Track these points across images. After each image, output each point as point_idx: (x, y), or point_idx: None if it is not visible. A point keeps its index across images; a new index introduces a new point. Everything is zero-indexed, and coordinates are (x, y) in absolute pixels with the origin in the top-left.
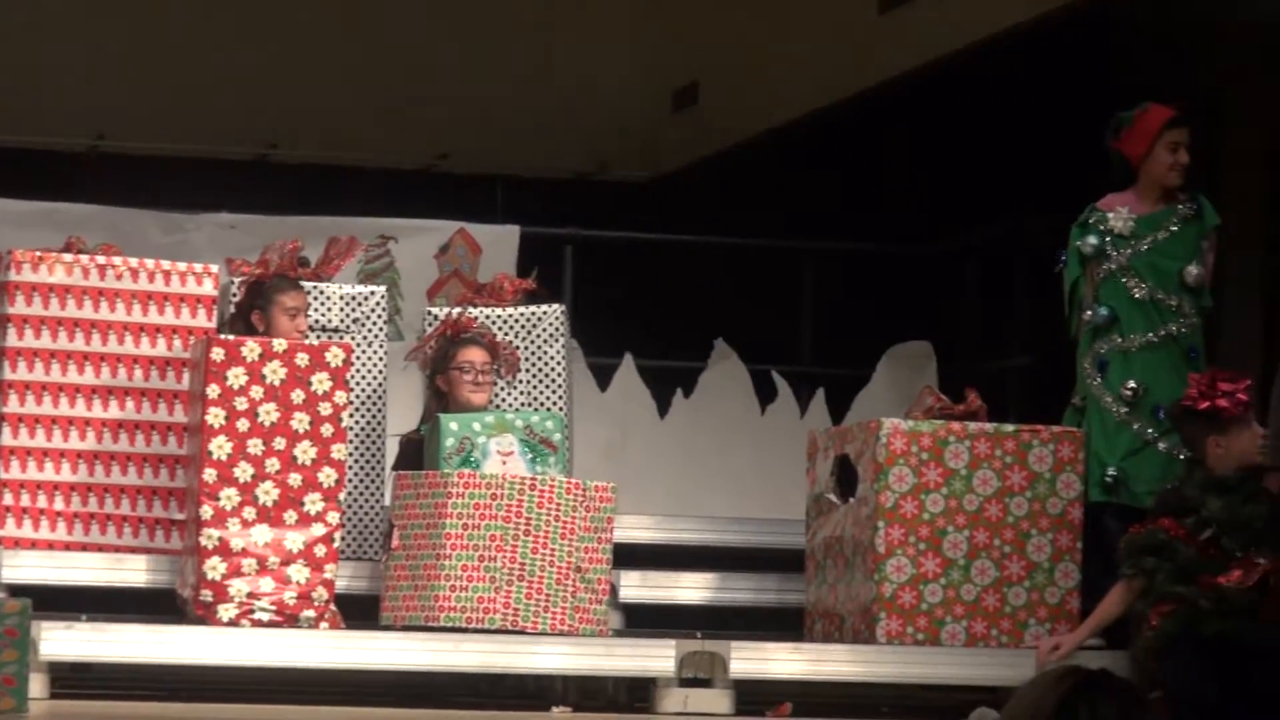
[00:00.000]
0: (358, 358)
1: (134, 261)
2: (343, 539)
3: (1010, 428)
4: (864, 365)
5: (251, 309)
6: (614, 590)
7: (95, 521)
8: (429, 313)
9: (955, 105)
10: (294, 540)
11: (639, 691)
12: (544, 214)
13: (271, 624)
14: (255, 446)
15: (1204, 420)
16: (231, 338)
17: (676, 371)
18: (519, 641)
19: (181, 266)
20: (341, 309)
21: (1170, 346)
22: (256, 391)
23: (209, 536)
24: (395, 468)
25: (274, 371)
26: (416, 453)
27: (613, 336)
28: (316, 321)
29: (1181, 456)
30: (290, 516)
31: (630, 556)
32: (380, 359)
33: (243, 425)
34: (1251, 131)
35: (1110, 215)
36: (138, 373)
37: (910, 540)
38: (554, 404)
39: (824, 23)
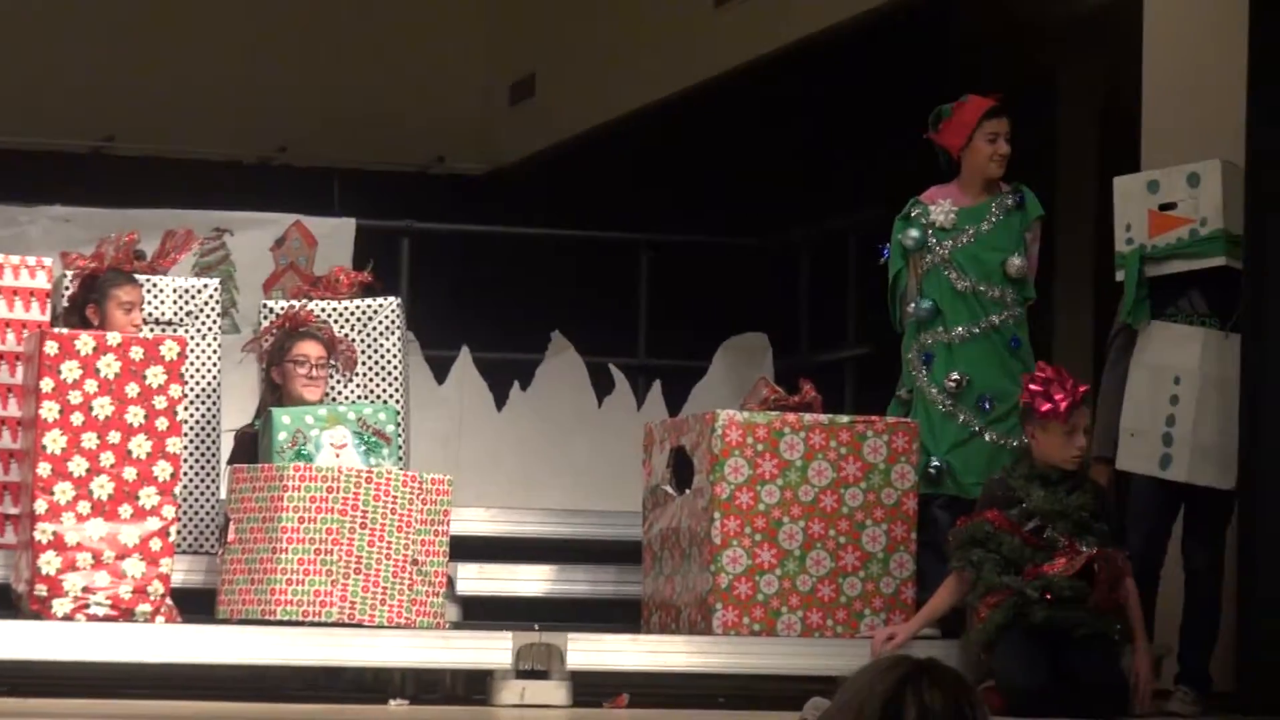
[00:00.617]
0: (193, 351)
1: None
2: (179, 533)
3: (845, 419)
4: (700, 357)
5: (86, 303)
6: (451, 583)
7: None
8: (265, 306)
9: (790, 98)
10: (129, 534)
11: (476, 684)
12: (381, 207)
13: (107, 619)
14: (90, 440)
15: (1028, 410)
16: (65, 331)
17: (514, 364)
18: (356, 635)
19: (15, 260)
20: (176, 302)
21: (993, 337)
22: (91, 385)
23: (43, 531)
24: (231, 461)
25: (108, 365)
26: (252, 446)
27: (449, 329)
28: (151, 315)
29: (1009, 446)
30: (125, 511)
31: (468, 549)
32: (215, 352)
33: (77, 419)
34: (1083, 114)
35: (932, 208)
36: None
37: (746, 531)
38: (390, 397)
39: (660, 16)
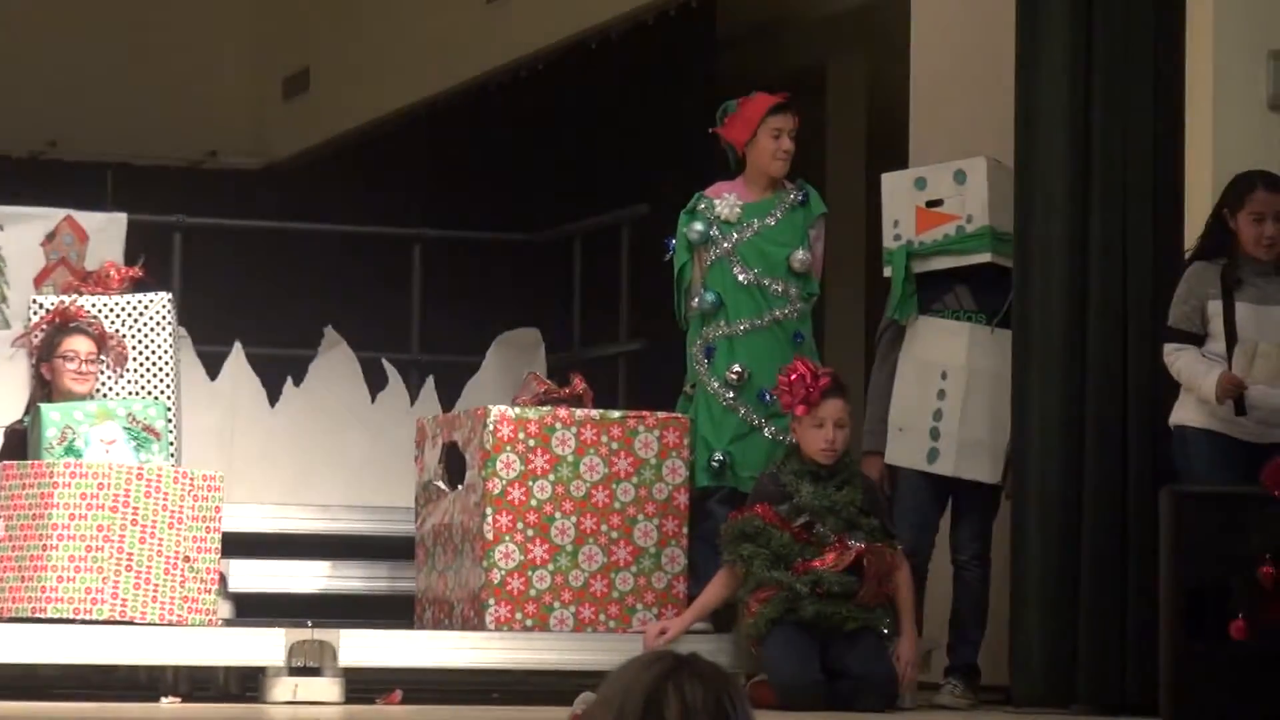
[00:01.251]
0: None
1: None
2: None
3: (616, 414)
4: (473, 353)
5: None
6: (223, 580)
7: None
8: (35, 301)
9: (565, 93)
10: None
11: (250, 681)
12: (154, 201)
13: None
14: None
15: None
16: None
17: (286, 359)
18: (128, 632)
19: None
20: None
21: (775, 331)
22: None
23: None
24: (0, 458)
25: None
26: (21, 442)
27: (222, 324)
28: None
29: (789, 441)
30: None
31: (240, 545)
32: None
33: None
34: (850, 111)
35: (717, 202)
36: None
37: (518, 527)
38: (161, 392)
39: (433, 12)
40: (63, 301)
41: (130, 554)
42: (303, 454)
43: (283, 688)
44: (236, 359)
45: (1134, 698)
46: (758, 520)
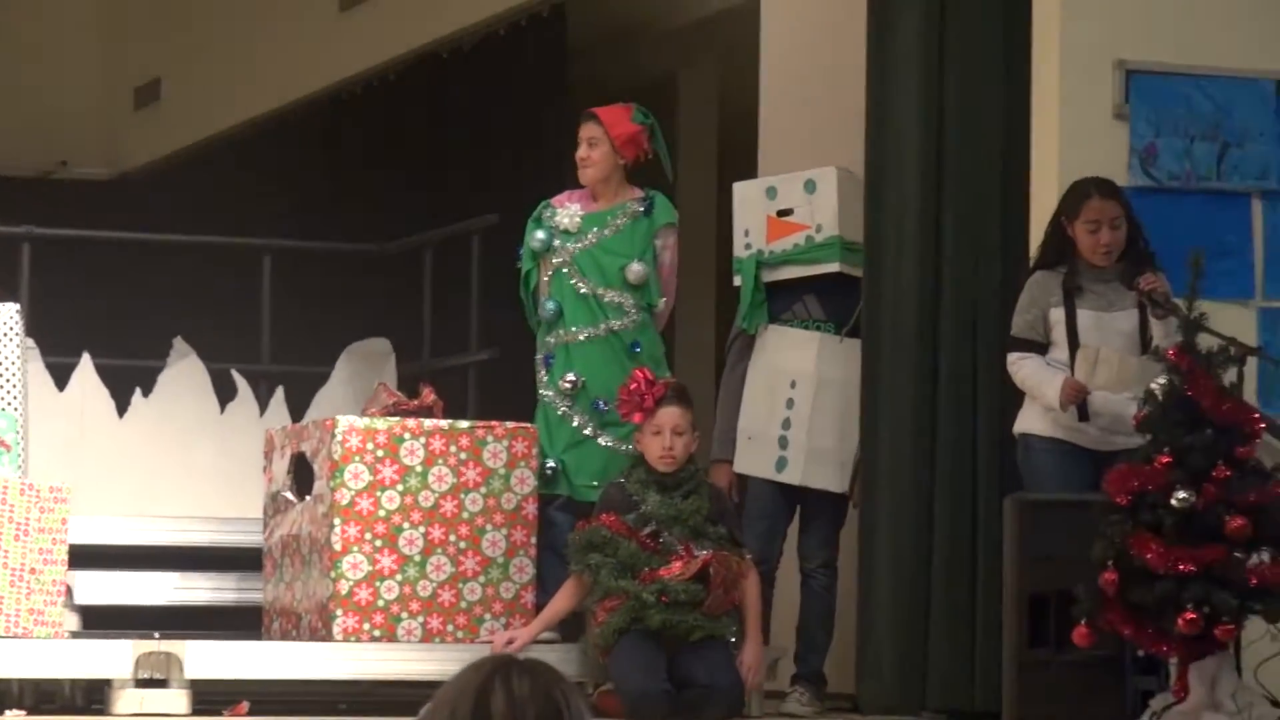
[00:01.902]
0: None
1: None
2: None
3: (465, 424)
4: (323, 363)
5: None
6: (70, 592)
7: None
8: None
9: (417, 103)
10: None
11: (96, 693)
12: (3, 212)
13: None
14: None
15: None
16: None
17: (136, 370)
18: None
19: None
20: None
21: (612, 341)
22: None
23: None
24: None
25: None
26: None
27: (71, 335)
28: None
29: (623, 450)
30: None
31: (88, 557)
32: None
33: None
34: (702, 119)
35: (560, 211)
36: None
37: (366, 537)
38: (8, 403)
39: (286, 21)
40: None
41: None
42: (151, 465)
43: (129, 700)
44: (85, 370)
45: (982, 704)
46: (605, 530)
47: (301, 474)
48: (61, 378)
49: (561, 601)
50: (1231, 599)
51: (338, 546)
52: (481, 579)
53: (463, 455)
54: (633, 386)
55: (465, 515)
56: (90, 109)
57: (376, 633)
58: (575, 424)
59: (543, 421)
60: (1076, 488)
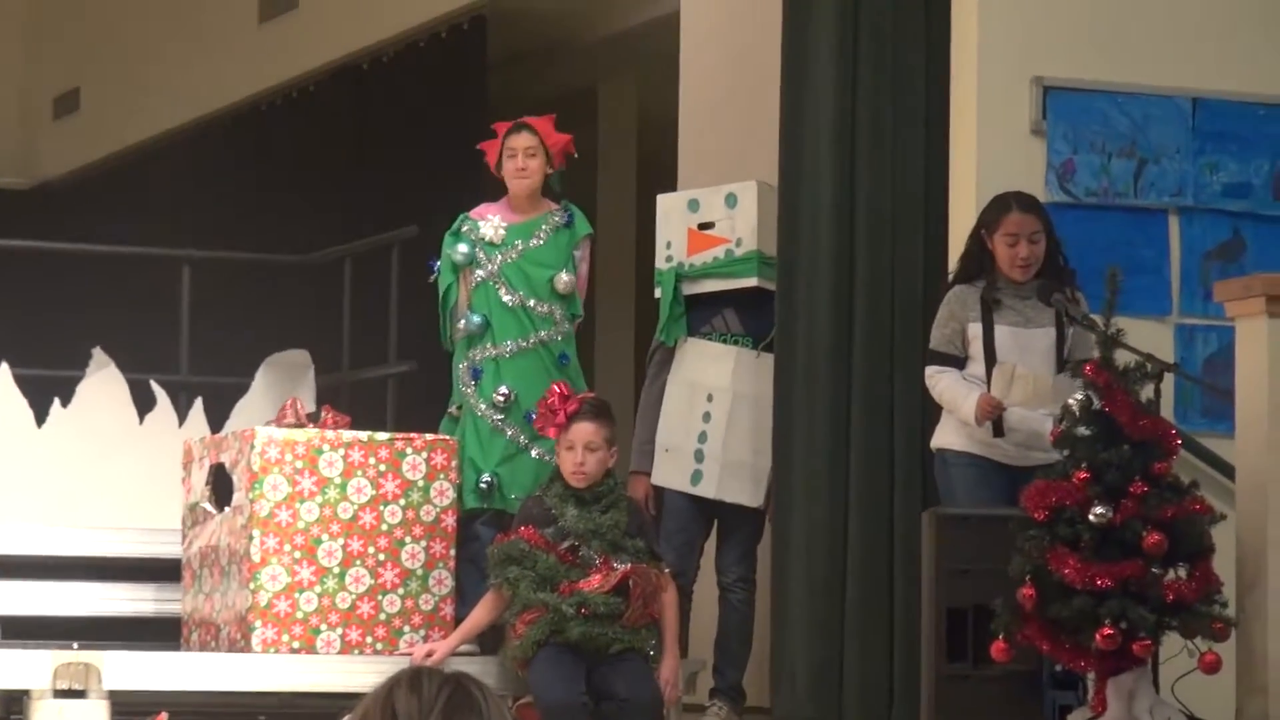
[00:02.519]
0: None
1: None
2: None
3: (384, 436)
4: (242, 374)
5: None
6: None
7: None
8: None
9: (337, 114)
10: None
11: (14, 704)
12: None
13: None
14: None
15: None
16: None
17: (54, 380)
18: None
19: None
20: None
21: (541, 353)
22: None
23: None
24: None
25: None
26: None
27: None
28: None
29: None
30: None
31: (6, 568)
32: None
33: None
34: (621, 131)
35: (481, 223)
36: None
37: (285, 549)
38: None
39: (205, 31)
40: None
41: None
42: (70, 475)
43: (47, 710)
44: (3, 380)
45: (900, 718)
46: (523, 543)
47: (220, 485)
48: None
49: (480, 614)
50: (1148, 614)
51: (256, 558)
52: (400, 591)
53: (382, 467)
54: (549, 400)
55: (384, 527)
56: (9, 119)
57: (295, 644)
58: (508, 436)
59: (474, 435)
60: (991, 502)
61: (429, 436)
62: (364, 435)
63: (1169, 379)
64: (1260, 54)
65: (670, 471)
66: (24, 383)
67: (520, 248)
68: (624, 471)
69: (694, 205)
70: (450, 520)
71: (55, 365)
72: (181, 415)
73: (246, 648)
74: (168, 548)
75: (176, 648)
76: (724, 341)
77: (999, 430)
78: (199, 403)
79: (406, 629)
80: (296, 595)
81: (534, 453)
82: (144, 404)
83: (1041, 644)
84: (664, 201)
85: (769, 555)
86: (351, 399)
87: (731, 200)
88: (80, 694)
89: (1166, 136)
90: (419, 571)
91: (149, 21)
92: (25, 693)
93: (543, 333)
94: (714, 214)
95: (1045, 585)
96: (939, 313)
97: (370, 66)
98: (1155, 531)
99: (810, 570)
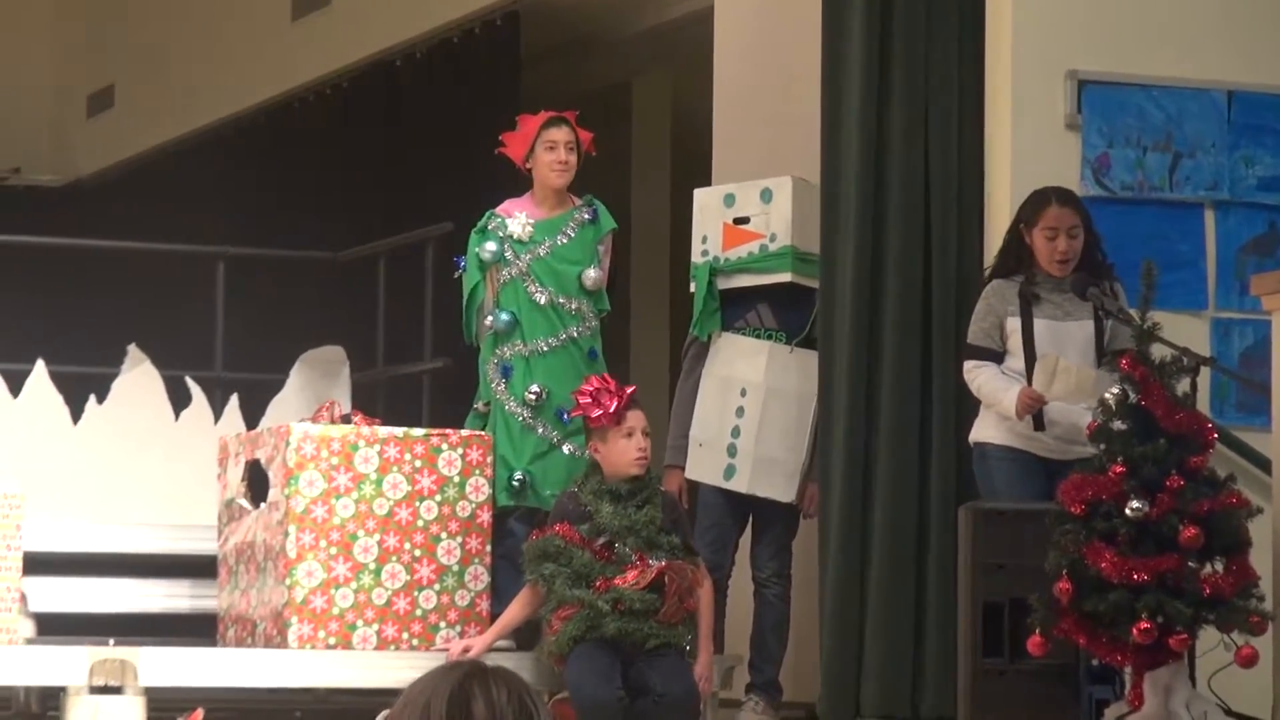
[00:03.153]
0: None
1: None
2: None
3: (419, 432)
4: (277, 371)
5: None
6: (24, 599)
7: None
8: None
9: (370, 111)
10: None
11: (51, 700)
12: None
13: None
14: None
15: (586, 427)
16: None
17: (90, 377)
18: None
19: None
20: None
21: (571, 349)
22: None
23: None
24: None
25: None
26: None
27: (25, 342)
28: None
29: (588, 458)
30: None
31: (42, 564)
32: None
33: None
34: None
35: (509, 220)
36: None
37: (321, 545)
38: None
39: (239, 28)
40: None
41: None
42: (106, 472)
43: (84, 707)
44: (39, 377)
45: (934, 712)
46: (558, 540)
47: (256, 481)
48: (15, 385)
49: (516, 610)
50: (1185, 608)
51: (293, 554)
52: (436, 587)
53: (417, 463)
54: (592, 393)
55: (420, 523)
56: (44, 116)
57: (332, 640)
58: (539, 434)
59: (505, 433)
60: (1031, 496)
61: (464, 432)
62: (399, 431)
63: (1205, 373)
64: None
65: (704, 466)
66: (59, 380)
67: (548, 245)
68: (658, 466)
69: (730, 200)
70: (486, 516)
71: (91, 362)
72: (217, 412)
73: (283, 644)
74: (203, 544)
75: (212, 644)
76: (758, 337)
77: (1039, 424)
78: (234, 399)
79: (442, 625)
80: (332, 591)
81: (566, 449)
82: (179, 401)
83: (1078, 638)
84: (700, 196)
85: (809, 551)
86: (386, 395)
87: (767, 195)
88: (116, 690)
89: (1202, 130)
90: (455, 567)
91: (183, 18)
92: (62, 689)
93: (573, 329)
94: (749, 209)
95: (1082, 579)
96: (977, 307)
97: (403, 63)
98: (1192, 525)
99: (848, 565)
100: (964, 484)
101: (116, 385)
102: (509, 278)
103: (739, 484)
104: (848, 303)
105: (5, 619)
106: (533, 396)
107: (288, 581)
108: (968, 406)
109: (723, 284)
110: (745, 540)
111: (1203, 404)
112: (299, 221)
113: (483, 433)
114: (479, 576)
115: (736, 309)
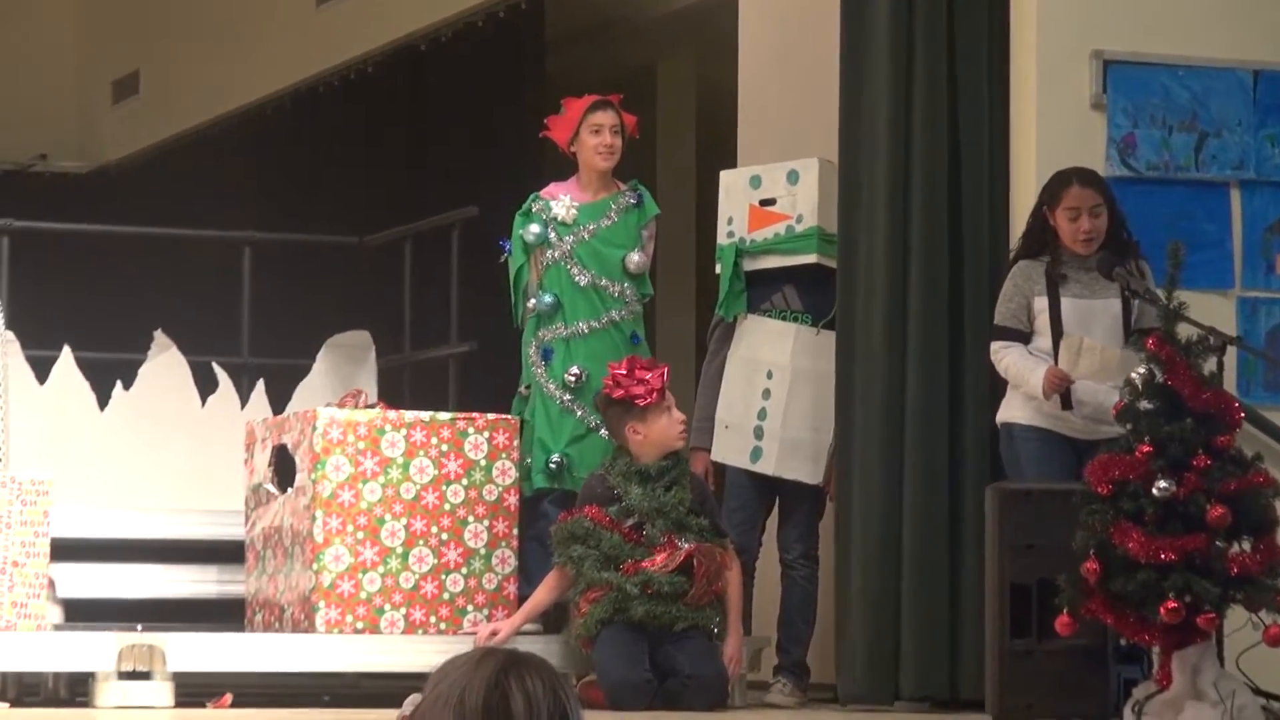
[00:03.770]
0: None
1: None
2: None
3: (446, 416)
4: (304, 356)
5: None
6: (52, 585)
7: None
8: None
9: (395, 95)
10: None
11: (79, 686)
12: None
13: None
14: None
15: (622, 408)
16: None
17: (116, 363)
18: None
19: None
20: None
21: (613, 333)
22: None
23: None
24: None
25: None
26: None
27: (51, 328)
28: None
29: None
30: None
31: (70, 550)
32: None
33: None
34: (680, 109)
35: (553, 203)
36: None
37: (348, 529)
38: None
39: (264, 14)
40: None
41: None
42: (132, 458)
43: (112, 692)
44: (65, 363)
45: (963, 694)
46: (587, 522)
47: (283, 466)
48: (42, 371)
49: (544, 593)
50: (1213, 588)
51: (320, 539)
52: (464, 570)
53: (444, 447)
54: (631, 374)
55: (447, 507)
56: (69, 102)
57: (359, 625)
58: (578, 417)
59: (543, 415)
60: (1059, 476)
61: (490, 416)
62: (425, 415)
63: (1231, 352)
64: None
65: (730, 448)
66: (86, 366)
67: (592, 228)
68: (685, 448)
69: (756, 181)
70: (512, 499)
71: (117, 348)
72: (243, 397)
73: (310, 628)
74: (231, 529)
75: (240, 629)
76: (784, 318)
77: (1067, 404)
78: (261, 384)
79: (470, 608)
80: (360, 576)
81: (604, 433)
82: (206, 386)
83: (1106, 618)
84: (726, 177)
85: (826, 533)
86: (413, 379)
87: (793, 177)
88: (145, 676)
89: (1227, 109)
90: (482, 551)
91: (207, 4)
92: (90, 675)
93: (614, 313)
94: (775, 190)
95: (1109, 559)
96: (1004, 288)
97: (428, 47)
98: (1219, 505)
99: (869, 546)
100: (989, 465)
101: (143, 371)
102: (553, 260)
103: (765, 466)
104: (869, 284)
105: (34, 605)
106: (572, 379)
107: (315, 566)
108: (992, 386)
109: (748, 265)
110: (771, 522)
111: (1229, 383)
112: (324, 206)
113: (509, 416)
114: (506, 560)
115: (762, 291)
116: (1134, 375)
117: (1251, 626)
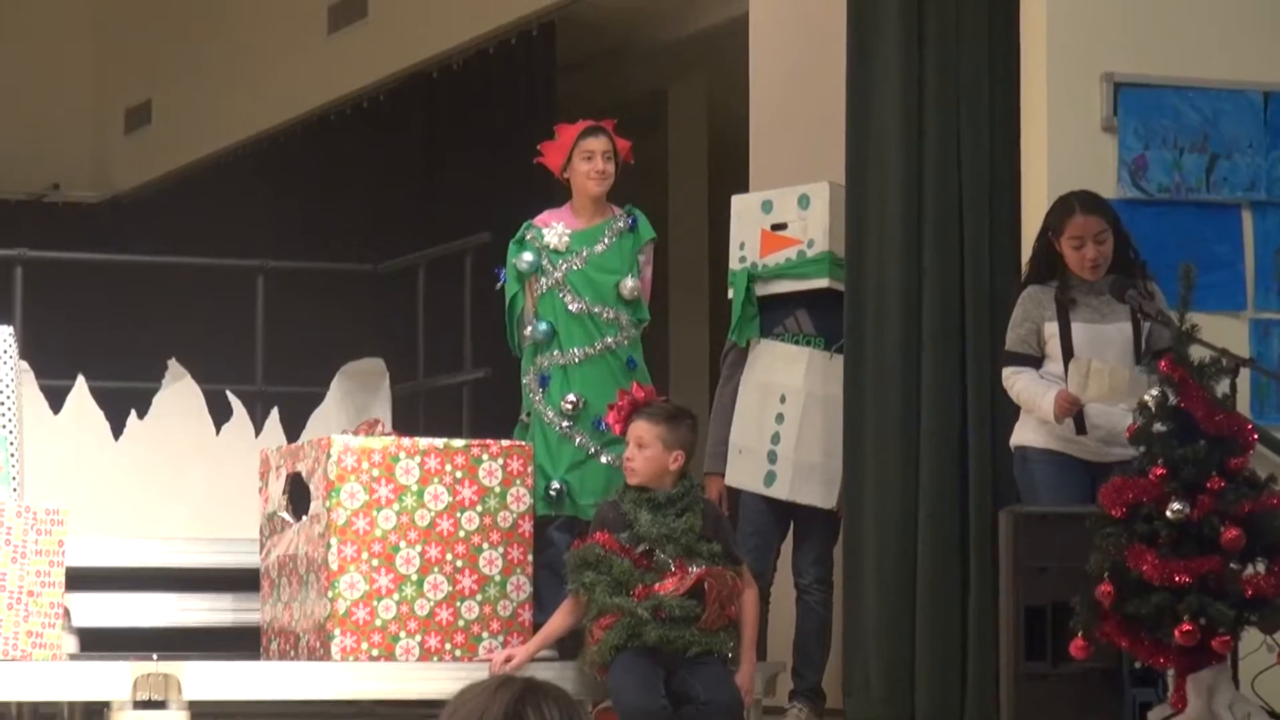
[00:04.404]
0: None
1: None
2: None
3: (460, 443)
4: (318, 384)
5: None
6: (67, 614)
7: None
8: None
9: (408, 122)
10: None
11: (95, 715)
12: None
13: None
14: None
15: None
16: None
17: (130, 392)
18: None
19: None
20: None
21: (609, 359)
22: None
23: None
24: None
25: None
26: None
27: (65, 358)
28: None
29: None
30: None
31: (85, 580)
32: None
33: None
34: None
35: (545, 230)
36: None
37: (363, 557)
38: (2, 426)
39: (275, 43)
40: None
41: None
42: (147, 487)
43: None
44: (80, 392)
45: (976, 717)
46: (599, 548)
47: (297, 494)
48: (56, 401)
49: (559, 620)
50: (1227, 610)
51: (335, 566)
52: (479, 597)
53: (458, 474)
54: (619, 400)
55: (462, 534)
56: (82, 132)
57: (375, 652)
58: (577, 443)
59: (542, 442)
60: (1073, 499)
61: (505, 442)
62: (440, 442)
63: (1245, 374)
64: None
65: (743, 472)
66: (100, 395)
67: (585, 254)
68: (699, 473)
69: (767, 206)
70: (527, 526)
71: (131, 377)
72: (258, 425)
73: (326, 656)
74: (246, 557)
75: (256, 657)
76: (796, 343)
77: (1081, 427)
78: (275, 413)
79: (485, 635)
80: (375, 603)
81: (604, 459)
82: (220, 415)
83: (1120, 641)
84: (738, 202)
85: (841, 556)
86: (427, 406)
87: (804, 201)
88: (161, 705)
89: (1238, 131)
90: (497, 577)
91: (219, 34)
92: (106, 704)
93: (609, 339)
94: (787, 215)
95: (1124, 582)
96: (1014, 313)
97: (440, 75)
98: (1233, 527)
99: (882, 570)
100: (1000, 488)
101: (157, 400)
102: (546, 288)
103: (779, 491)
104: (879, 306)
105: (49, 635)
106: (569, 406)
107: (330, 594)
108: (1001, 410)
109: (761, 290)
110: (786, 547)
111: (1242, 405)
112: (338, 234)
113: (523, 443)
114: (521, 586)
115: (775, 315)
116: (1147, 397)
117: (1266, 649)
